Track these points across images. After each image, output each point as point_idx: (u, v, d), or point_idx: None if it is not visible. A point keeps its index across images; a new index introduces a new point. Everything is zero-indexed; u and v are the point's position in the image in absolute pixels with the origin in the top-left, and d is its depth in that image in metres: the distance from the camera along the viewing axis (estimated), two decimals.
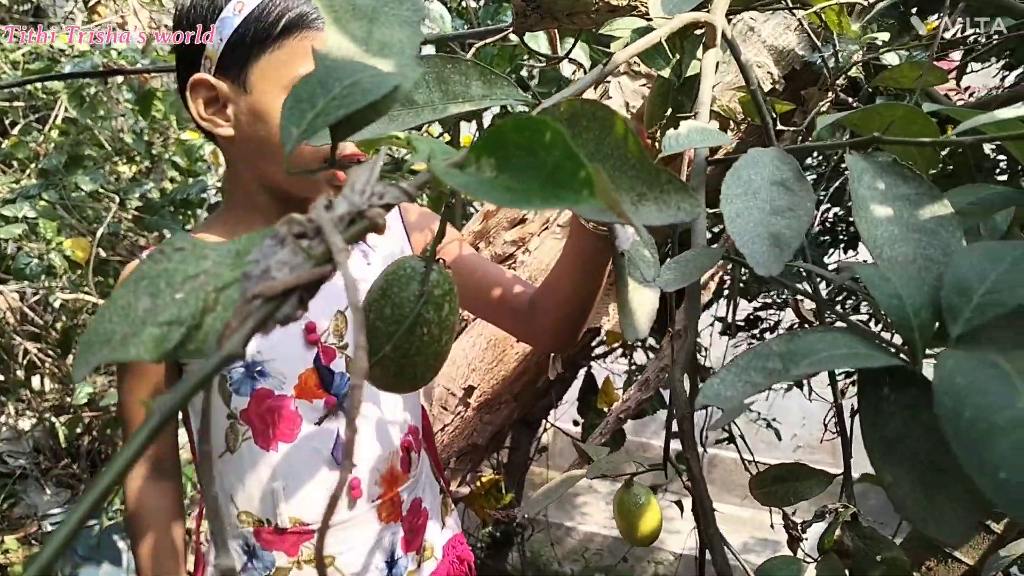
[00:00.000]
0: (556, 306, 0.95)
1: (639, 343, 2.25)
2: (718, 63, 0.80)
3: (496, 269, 1.06)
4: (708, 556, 0.52)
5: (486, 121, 2.21)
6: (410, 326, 0.46)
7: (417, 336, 0.47)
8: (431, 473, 1.19)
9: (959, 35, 1.64)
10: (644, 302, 0.52)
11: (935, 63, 1.56)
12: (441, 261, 0.49)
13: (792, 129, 1.19)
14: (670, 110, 0.74)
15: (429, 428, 1.23)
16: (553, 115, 0.45)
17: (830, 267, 2.27)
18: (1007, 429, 0.28)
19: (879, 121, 0.54)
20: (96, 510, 0.22)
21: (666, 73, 0.72)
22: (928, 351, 0.37)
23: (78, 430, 3.02)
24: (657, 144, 0.82)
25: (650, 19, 0.74)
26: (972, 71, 1.97)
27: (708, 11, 0.73)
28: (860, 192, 0.45)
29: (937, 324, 0.39)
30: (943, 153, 1.69)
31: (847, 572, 0.76)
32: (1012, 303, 0.37)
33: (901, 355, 0.38)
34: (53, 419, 2.78)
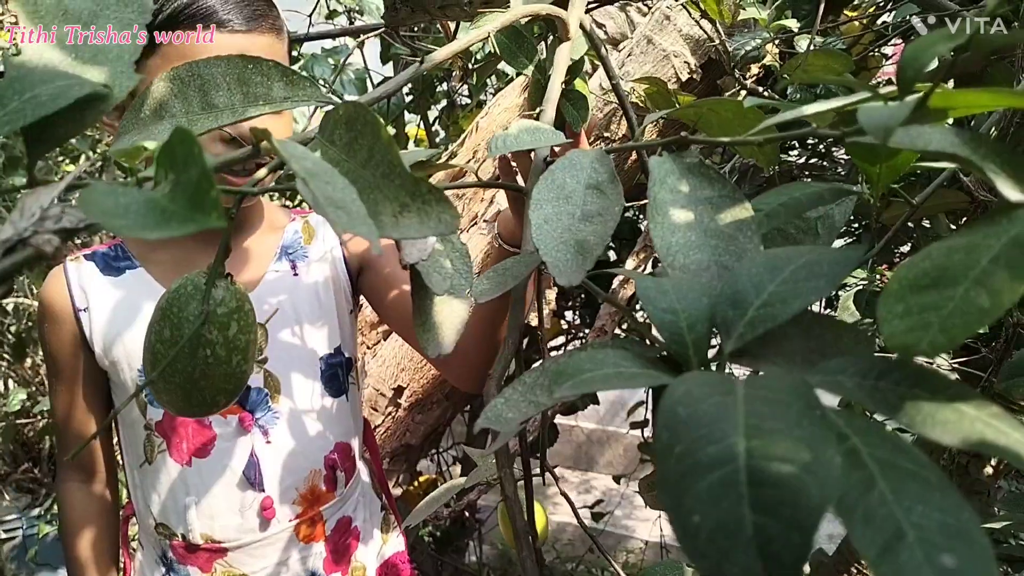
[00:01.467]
0: (469, 356, 0.90)
1: (580, 336, 2.23)
2: (626, 55, 0.78)
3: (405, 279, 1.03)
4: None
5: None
6: (191, 348, 0.43)
7: (200, 359, 0.44)
8: (370, 490, 1.16)
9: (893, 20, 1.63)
10: (451, 313, 0.50)
11: (876, 49, 1.54)
12: (229, 277, 0.46)
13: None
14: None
15: (373, 444, 1.19)
16: (334, 118, 0.42)
17: None
18: (709, 466, 0.26)
19: (713, 117, 0.52)
20: None
21: (529, 71, 0.70)
22: (677, 377, 0.35)
23: (31, 435, 2.97)
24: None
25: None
26: None
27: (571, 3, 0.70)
28: (660, 196, 0.42)
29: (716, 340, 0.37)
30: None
31: None
32: (784, 316, 0.35)
33: (679, 373, 0.36)
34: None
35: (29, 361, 2.86)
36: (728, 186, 0.43)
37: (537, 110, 0.59)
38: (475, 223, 1.58)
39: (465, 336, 0.92)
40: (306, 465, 1.02)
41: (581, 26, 0.67)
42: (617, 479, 3.31)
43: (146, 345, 0.46)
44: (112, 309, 0.97)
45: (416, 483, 1.74)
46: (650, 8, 1.35)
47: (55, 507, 2.85)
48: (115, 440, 1.08)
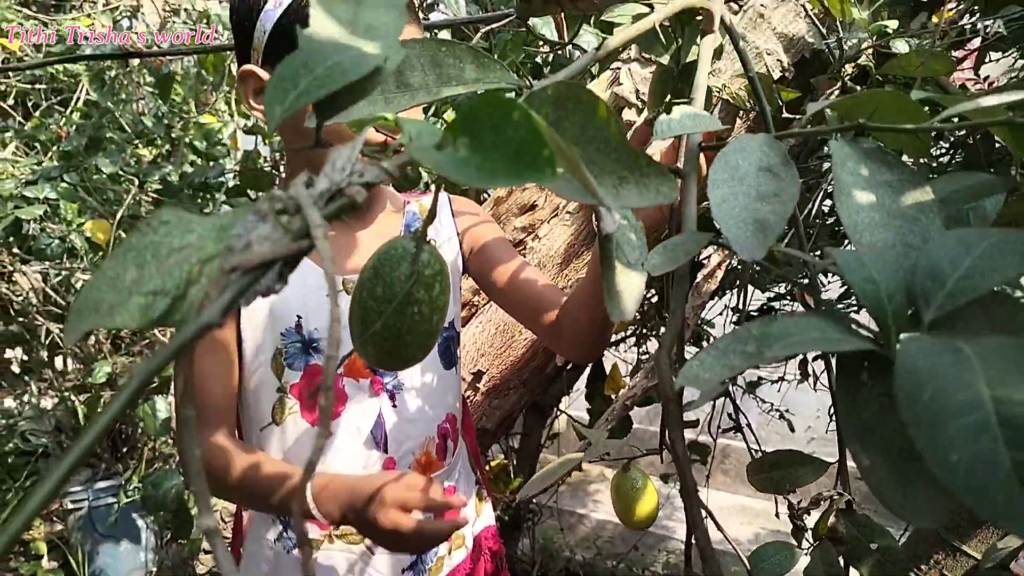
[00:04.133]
0: (580, 325, 0.97)
1: (652, 334, 2.25)
2: (723, 49, 0.81)
3: (522, 265, 1.09)
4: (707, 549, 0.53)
5: None
6: (400, 305, 0.47)
7: (408, 316, 0.48)
8: (468, 464, 1.21)
9: (974, 24, 1.63)
10: (631, 284, 0.53)
11: (950, 52, 1.54)
12: (431, 242, 0.50)
13: (799, 117, 1.19)
14: (669, 96, 0.74)
15: (469, 419, 1.24)
16: (540, 98, 0.45)
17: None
18: (960, 411, 0.29)
19: (867, 108, 0.54)
20: (84, 457, 0.23)
21: (665, 60, 0.73)
22: (902, 336, 0.38)
23: (98, 409, 3.07)
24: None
25: (651, 5, 0.74)
26: (991, 60, 1.95)
27: None
28: (843, 178, 0.45)
29: (912, 310, 0.40)
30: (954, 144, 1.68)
31: (840, 558, 0.77)
32: (985, 287, 0.38)
33: (874, 340, 0.39)
34: (74, 398, 2.83)
35: (92, 338, 2.96)
36: (907, 170, 0.46)
37: (690, 97, 0.62)
38: (556, 214, 1.61)
39: (577, 309, 0.96)
40: (423, 431, 1.07)
41: (721, 19, 0.70)
42: (665, 478, 3.32)
43: (356, 300, 0.50)
44: None
45: (488, 467, 1.78)
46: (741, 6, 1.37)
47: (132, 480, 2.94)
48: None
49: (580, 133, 0.43)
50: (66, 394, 3.08)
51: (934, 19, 1.52)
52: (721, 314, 2.41)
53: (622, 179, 0.41)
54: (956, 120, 0.48)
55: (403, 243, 0.49)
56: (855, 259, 0.40)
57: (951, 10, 1.52)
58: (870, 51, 1.24)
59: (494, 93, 0.29)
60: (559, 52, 1.78)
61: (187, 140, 3.09)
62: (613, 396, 1.92)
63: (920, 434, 0.29)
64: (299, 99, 0.32)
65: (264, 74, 0.97)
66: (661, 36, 0.78)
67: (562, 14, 0.87)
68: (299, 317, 1.01)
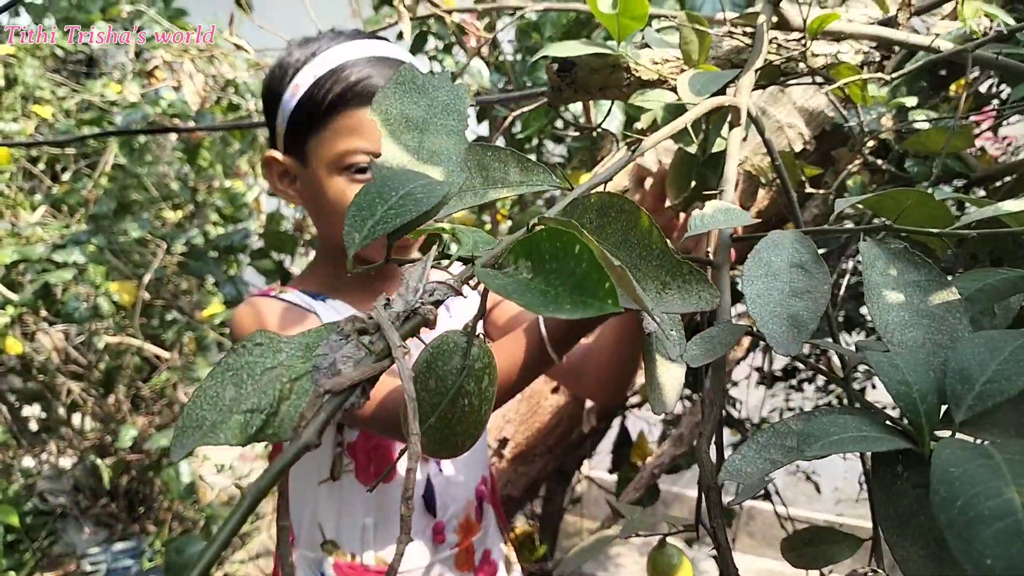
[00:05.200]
0: (600, 371, 0.99)
1: None
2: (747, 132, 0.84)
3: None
4: None
5: None
6: (452, 398, 0.50)
7: (459, 407, 0.50)
8: (497, 527, 1.22)
9: (991, 89, 1.67)
10: (671, 377, 0.55)
11: (970, 119, 1.58)
12: (481, 336, 0.53)
13: (822, 192, 1.22)
14: (693, 183, 0.78)
15: (495, 483, 1.26)
16: (584, 205, 0.48)
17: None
18: (992, 518, 0.31)
19: (894, 205, 0.57)
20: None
21: (692, 149, 0.76)
22: (936, 436, 0.40)
23: (124, 472, 3.09)
24: (678, 218, 0.87)
25: (675, 89, 0.78)
26: (1009, 123, 1.98)
27: (735, 89, 0.77)
28: (873, 278, 0.48)
29: (944, 408, 0.42)
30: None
31: None
32: (1012, 391, 0.40)
33: (909, 438, 0.41)
34: (96, 459, 2.85)
35: (112, 398, 2.99)
36: (933, 271, 0.48)
37: (719, 190, 0.65)
38: None
39: (602, 353, 0.98)
40: (465, 495, 1.09)
41: (748, 112, 0.74)
42: (690, 542, 3.28)
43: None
44: None
45: (513, 534, 1.78)
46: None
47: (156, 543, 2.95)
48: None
49: (623, 239, 0.46)
50: (85, 454, 3.10)
51: (952, 88, 1.56)
52: (747, 377, 2.42)
53: (664, 284, 0.43)
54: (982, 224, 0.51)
55: (454, 337, 0.52)
56: (888, 361, 0.42)
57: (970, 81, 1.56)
58: (890, 128, 1.28)
59: (556, 226, 0.32)
60: (582, 135, 1.84)
61: (211, 203, 3.16)
62: (640, 463, 1.92)
63: (955, 539, 0.31)
64: (376, 227, 0.36)
65: (285, 159, 1.01)
66: (690, 129, 0.82)
67: (590, 100, 0.91)
68: None
